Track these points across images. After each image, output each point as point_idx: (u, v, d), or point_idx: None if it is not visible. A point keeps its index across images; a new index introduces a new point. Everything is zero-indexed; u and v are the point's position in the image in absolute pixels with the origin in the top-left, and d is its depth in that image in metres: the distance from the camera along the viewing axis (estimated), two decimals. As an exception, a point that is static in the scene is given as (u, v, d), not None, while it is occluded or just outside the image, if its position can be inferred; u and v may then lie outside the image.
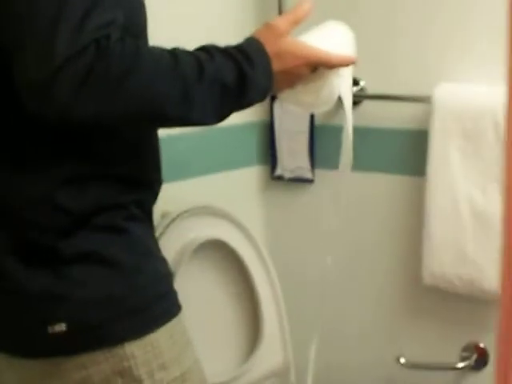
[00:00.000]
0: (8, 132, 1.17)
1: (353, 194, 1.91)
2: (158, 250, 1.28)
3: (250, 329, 1.97)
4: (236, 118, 1.99)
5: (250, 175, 2.12)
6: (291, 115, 2.02)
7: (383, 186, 1.92)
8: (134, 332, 1.18)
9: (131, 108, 1.10)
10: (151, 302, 1.21)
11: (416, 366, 1.90)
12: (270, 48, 1.20)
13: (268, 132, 2.08)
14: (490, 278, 1.70)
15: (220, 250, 1.88)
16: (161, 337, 1.20)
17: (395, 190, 1.89)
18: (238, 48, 1.19)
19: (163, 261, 1.27)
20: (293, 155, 2.05)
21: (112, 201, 1.19)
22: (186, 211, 1.81)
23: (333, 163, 1.98)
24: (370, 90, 1.91)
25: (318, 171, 2.03)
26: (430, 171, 1.75)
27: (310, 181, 2.04)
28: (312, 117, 2.00)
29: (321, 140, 2.01)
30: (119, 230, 1.19)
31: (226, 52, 1.17)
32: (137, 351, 1.17)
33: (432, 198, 1.75)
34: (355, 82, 1.83)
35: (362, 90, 1.91)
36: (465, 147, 1.71)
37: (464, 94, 1.74)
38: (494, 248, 1.68)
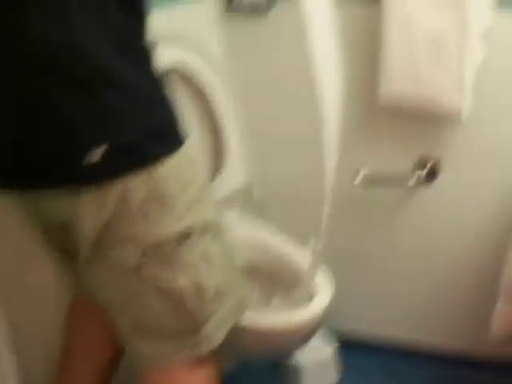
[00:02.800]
0: None
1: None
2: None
3: (214, 151, 2.06)
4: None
5: (207, 8, 2.13)
6: None
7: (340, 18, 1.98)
8: (167, 153, 1.21)
9: None
10: (175, 125, 1.26)
11: (372, 183, 2.04)
12: None
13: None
14: (440, 93, 1.82)
15: (183, 77, 1.93)
16: (183, 159, 1.25)
17: (351, 21, 1.93)
18: None
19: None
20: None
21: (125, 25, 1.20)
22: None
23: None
24: None
25: (273, 2, 2.06)
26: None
27: (266, 11, 2.07)
28: None
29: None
30: (138, 54, 1.22)
31: None
32: (168, 174, 1.21)
33: (388, 24, 1.83)
34: None
35: None
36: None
37: None
38: (445, 68, 1.79)
